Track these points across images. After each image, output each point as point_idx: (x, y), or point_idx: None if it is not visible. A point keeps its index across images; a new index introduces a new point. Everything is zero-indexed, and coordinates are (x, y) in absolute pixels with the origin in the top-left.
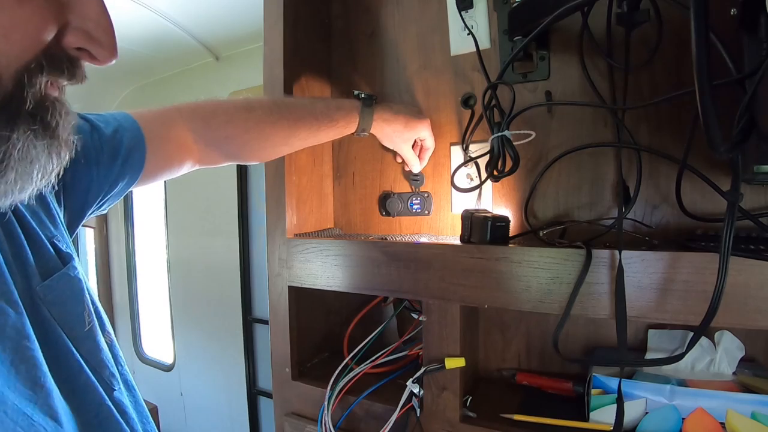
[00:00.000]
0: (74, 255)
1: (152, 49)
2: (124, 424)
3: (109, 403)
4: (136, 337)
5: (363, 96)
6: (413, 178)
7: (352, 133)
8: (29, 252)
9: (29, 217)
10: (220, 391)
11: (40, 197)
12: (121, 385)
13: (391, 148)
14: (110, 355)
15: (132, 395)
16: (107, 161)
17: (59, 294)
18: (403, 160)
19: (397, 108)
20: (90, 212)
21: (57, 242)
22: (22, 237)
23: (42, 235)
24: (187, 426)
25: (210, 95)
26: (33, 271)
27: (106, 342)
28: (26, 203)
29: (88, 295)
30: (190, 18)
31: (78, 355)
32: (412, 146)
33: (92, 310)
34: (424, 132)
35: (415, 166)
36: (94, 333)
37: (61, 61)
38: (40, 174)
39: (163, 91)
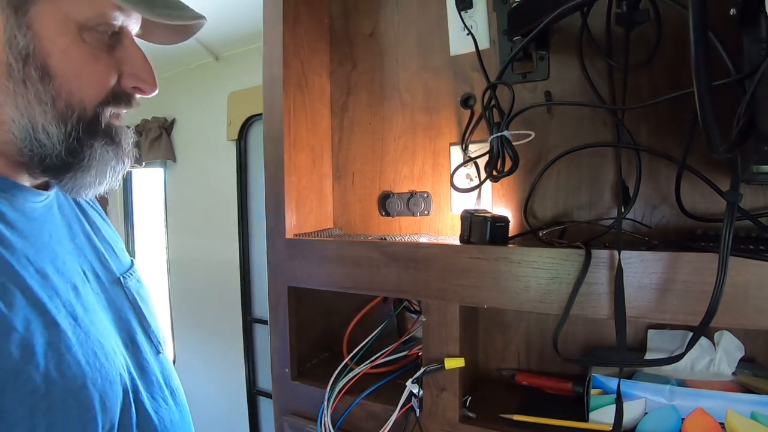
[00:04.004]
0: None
1: (152, 49)
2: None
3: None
4: None
5: None
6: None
7: None
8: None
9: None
10: (220, 391)
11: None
12: (164, 352)
13: None
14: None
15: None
16: None
17: (135, 284)
18: None
19: None
20: None
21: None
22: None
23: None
24: None
25: (210, 95)
26: (114, 261)
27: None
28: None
29: None
30: None
31: (137, 323)
32: None
33: None
34: None
35: None
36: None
37: (121, 97)
38: (111, 172)
39: (163, 91)
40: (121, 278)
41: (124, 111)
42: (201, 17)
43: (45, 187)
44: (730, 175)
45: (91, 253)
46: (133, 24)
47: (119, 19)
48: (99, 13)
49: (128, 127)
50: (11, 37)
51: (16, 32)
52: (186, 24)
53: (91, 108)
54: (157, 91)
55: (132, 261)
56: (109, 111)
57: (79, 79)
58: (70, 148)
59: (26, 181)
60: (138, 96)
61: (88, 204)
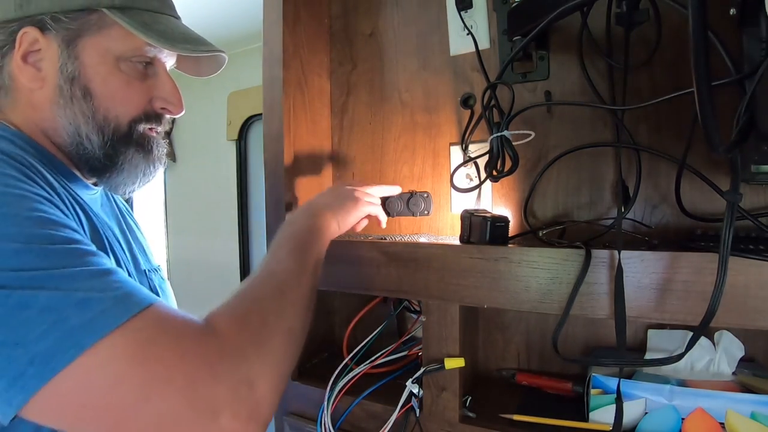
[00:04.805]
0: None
1: None
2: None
3: None
4: None
5: None
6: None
7: None
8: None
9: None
10: None
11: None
12: None
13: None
14: None
15: None
16: None
17: (159, 280)
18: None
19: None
20: None
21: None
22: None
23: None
24: None
25: (209, 95)
26: (142, 257)
27: None
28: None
29: None
30: (189, 18)
31: None
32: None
33: None
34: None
35: (383, 221)
36: None
37: (152, 116)
38: (142, 174)
39: None
40: (146, 271)
41: (158, 126)
42: (219, 51)
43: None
44: (730, 174)
45: (125, 245)
46: (166, 57)
47: (151, 53)
48: (133, 48)
49: (163, 138)
50: (63, 65)
51: (66, 61)
52: (204, 55)
53: (125, 123)
54: (183, 112)
55: (159, 266)
56: (142, 126)
57: (114, 100)
58: (107, 153)
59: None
60: (168, 116)
61: (126, 208)
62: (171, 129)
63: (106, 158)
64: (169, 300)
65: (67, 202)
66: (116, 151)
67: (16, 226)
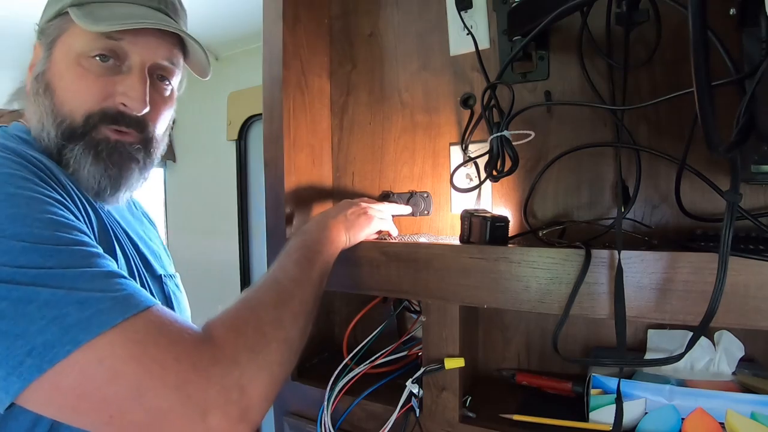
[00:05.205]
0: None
1: None
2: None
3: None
4: None
5: None
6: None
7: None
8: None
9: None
10: None
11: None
12: None
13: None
14: None
15: None
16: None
17: (173, 287)
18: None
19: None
20: None
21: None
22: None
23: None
24: None
25: (210, 95)
26: (157, 263)
27: None
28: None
29: None
30: (189, 18)
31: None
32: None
33: None
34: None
35: (394, 235)
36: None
37: (112, 113)
38: (95, 180)
39: None
40: (162, 277)
41: (127, 128)
42: (153, 24)
43: None
44: (730, 174)
45: (140, 248)
46: (140, 51)
47: (105, 44)
48: (87, 41)
49: (140, 145)
50: (38, 63)
51: (42, 60)
52: (127, 28)
53: (79, 118)
54: (146, 109)
55: (177, 274)
56: (103, 126)
57: (68, 93)
58: (59, 149)
59: None
60: (135, 114)
61: (146, 214)
62: (171, 128)
63: (58, 154)
64: (182, 308)
65: (78, 202)
66: (66, 145)
67: (26, 227)
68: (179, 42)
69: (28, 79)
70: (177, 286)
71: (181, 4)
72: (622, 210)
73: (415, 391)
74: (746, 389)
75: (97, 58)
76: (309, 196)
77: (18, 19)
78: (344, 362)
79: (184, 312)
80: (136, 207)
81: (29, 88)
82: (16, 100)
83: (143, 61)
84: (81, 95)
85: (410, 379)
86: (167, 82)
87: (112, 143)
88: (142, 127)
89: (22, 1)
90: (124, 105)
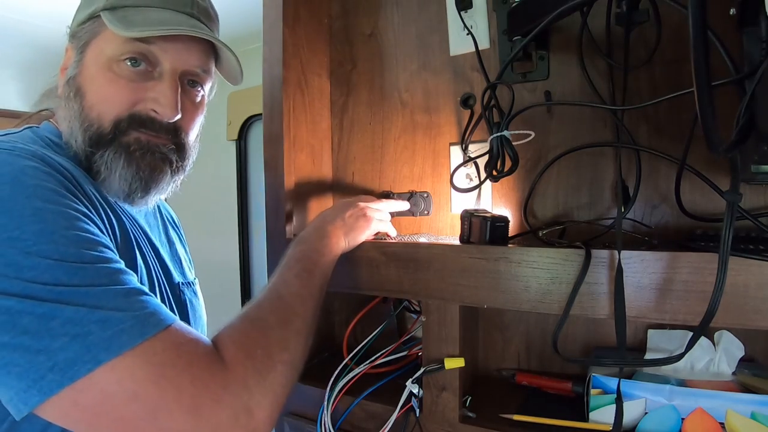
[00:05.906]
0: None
1: None
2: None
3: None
4: None
5: None
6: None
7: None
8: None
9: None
10: None
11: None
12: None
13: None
14: None
15: None
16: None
17: (191, 294)
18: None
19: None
20: None
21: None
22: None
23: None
24: None
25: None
26: (176, 269)
27: None
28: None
29: None
30: None
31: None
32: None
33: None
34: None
35: (392, 235)
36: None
37: (141, 118)
38: (127, 183)
39: None
40: (179, 284)
41: (155, 133)
42: (191, 32)
43: None
44: (730, 174)
45: (162, 255)
46: (172, 58)
47: (138, 48)
48: (118, 46)
49: (172, 149)
50: (70, 67)
51: (73, 66)
52: (162, 34)
53: (108, 123)
54: (177, 116)
55: (196, 279)
56: (132, 131)
57: (98, 97)
58: (87, 155)
59: None
60: (166, 120)
61: (171, 220)
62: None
63: (87, 160)
64: (198, 316)
65: (102, 212)
66: (95, 152)
67: (51, 243)
68: (211, 48)
69: (60, 81)
70: (195, 293)
71: (213, 10)
72: (622, 210)
73: (415, 391)
74: (746, 389)
75: (128, 62)
76: (309, 196)
77: (18, 19)
78: (344, 362)
79: (200, 320)
80: (161, 210)
81: (61, 91)
82: (46, 100)
83: (174, 68)
84: (111, 100)
85: (410, 379)
86: (199, 88)
87: (144, 143)
88: (173, 133)
89: (22, 1)
90: (155, 111)
